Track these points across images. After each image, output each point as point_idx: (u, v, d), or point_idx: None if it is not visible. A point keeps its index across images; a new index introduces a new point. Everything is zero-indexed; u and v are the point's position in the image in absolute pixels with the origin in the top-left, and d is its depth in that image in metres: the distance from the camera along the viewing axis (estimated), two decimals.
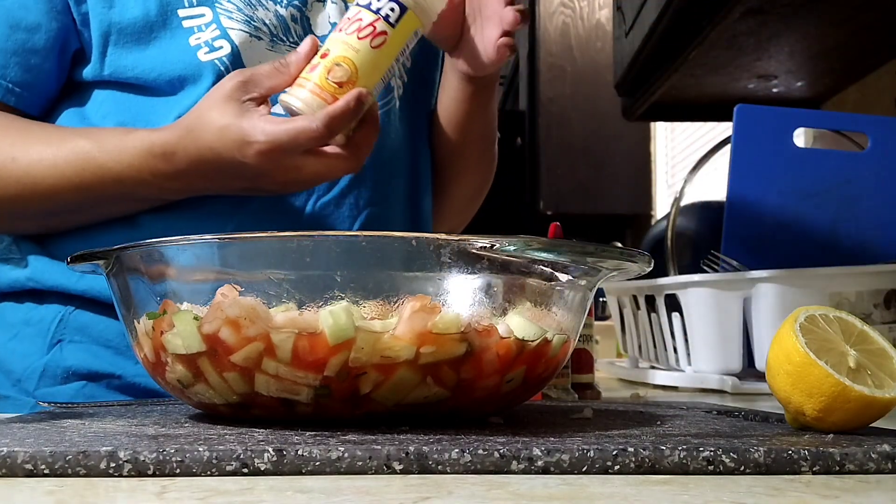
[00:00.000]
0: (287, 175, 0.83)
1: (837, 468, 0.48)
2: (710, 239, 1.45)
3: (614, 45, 1.93)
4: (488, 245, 0.56)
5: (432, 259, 0.57)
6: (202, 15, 0.91)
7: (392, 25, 0.83)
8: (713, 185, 2.36)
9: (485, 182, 1.15)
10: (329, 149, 0.83)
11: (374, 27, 0.83)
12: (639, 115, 1.91)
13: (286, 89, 0.83)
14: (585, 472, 0.47)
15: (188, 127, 0.83)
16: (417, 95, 1.05)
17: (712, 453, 0.48)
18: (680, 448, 0.48)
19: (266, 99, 0.83)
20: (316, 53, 0.84)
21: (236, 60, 0.90)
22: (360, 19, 0.83)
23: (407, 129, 1.03)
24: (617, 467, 0.47)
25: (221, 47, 0.90)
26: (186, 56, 0.90)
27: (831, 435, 0.56)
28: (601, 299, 1.91)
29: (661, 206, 3.29)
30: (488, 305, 0.59)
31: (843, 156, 1.31)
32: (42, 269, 0.92)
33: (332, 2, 0.98)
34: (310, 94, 0.81)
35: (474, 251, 0.57)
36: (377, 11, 0.83)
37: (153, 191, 0.87)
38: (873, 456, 0.48)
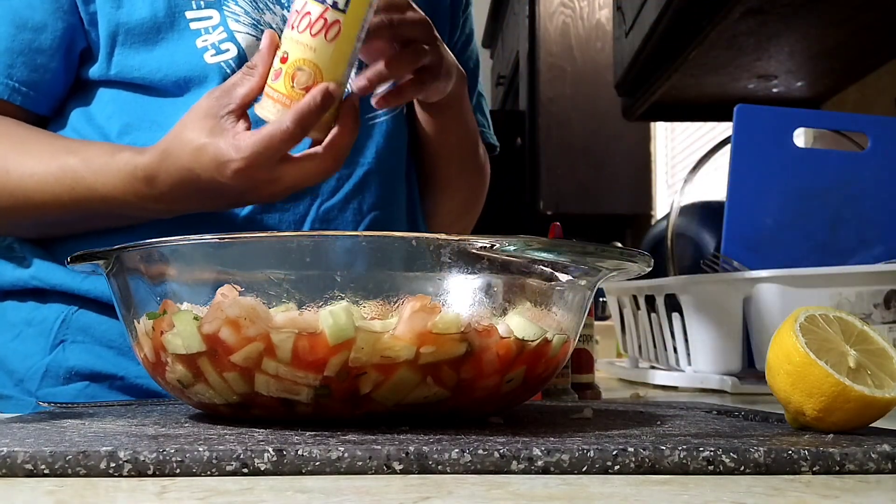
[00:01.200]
0: (267, 189, 0.81)
1: (837, 468, 0.48)
2: (710, 239, 1.45)
3: (614, 45, 1.93)
4: (488, 245, 0.56)
5: (432, 259, 0.57)
6: (210, 17, 0.91)
7: (343, 11, 0.78)
8: (713, 185, 2.36)
9: (473, 196, 1.13)
10: (305, 153, 0.81)
11: (325, 20, 0.77)
12: (639, 115, 1.91)
13: (257, 100, 0.80)
14: (585, 472, 0.47)
15: (167, 150, 0.82)
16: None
17: (712, 453, 0.48)
18: (680, 448, 0.48)
19: (244, 112, 0.81)
20: (277, 48, 0.80)
21: (242, 63, 0.90)
22: (309, 13, 0.78)
23: (410, 132, 1.03)
24: (617, 467, 0.47)
25: (228, 50, 0.90)
26: (193, 58, 0.90)
27: (831, 435, 0.56)
28: (601, 299, 1.91)
29: (661, 206, 3.29)
30: (488, 305, 0.59)
31: (843, 156, 1.31)
32: (45, 268, 0.92)
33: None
34: (280, 106, 0.79)
35: (474, 251, 0.57)
36: (324, 1, 0.77)
37: (139, 212, 0.87)
38: (873, 456, 0.48)
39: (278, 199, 0.87)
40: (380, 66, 0.84)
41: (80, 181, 0.86)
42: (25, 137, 0.90)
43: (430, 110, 0.99)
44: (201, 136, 0.79)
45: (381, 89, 0.86)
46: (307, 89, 0.78)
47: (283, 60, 0.79)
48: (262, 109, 0.80)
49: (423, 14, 0.86)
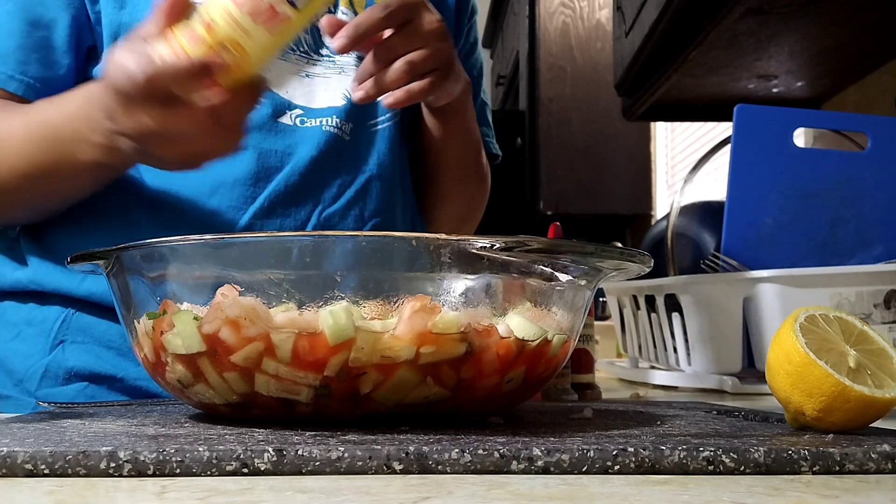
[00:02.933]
0: (135, 119, 0.73)
1: (837, 468, 0.48)
2: (710, 239, 1.45)
3: (614, 45, 1.93)
4: (488, 245, 0.56)
5: (432, 259, 0.57)
6: None
7: (297, 8, 0.71)
8: (713, 185, 2.36)
9: (473, 204, 1.13)
10: (184, 98, 0.72)
11: (275, 11, 0.70)
12: (639, 115, 1.91)
13: (163, 41, 0.72)
14: (585, 472, 0.47)
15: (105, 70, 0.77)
16: (418, 106, 1.04)
17: (712, 453, 0.48)
18: (680, 448, 0.48)
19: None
20: (186, 6, 0.72)
21: None
22: None
23: (413, 140, 1.04)
24: (617, 467, 0.47)
25: None
26: None
27: (831, 435, 0.56)
28: (601, 299, 1.91)
29: (661, 206, 3.29)
30: (488, 305, 0.59)
31: (843, 156, 1.31)
32: (44, 273, 0.92)
33: (343, 12, 0.98)
34: None
35: (474, 251, 0.57)
36: None
37: (103, 138, 0.79)
38: (873, 456, 0.48)
39: (167, 153, 0.77)
40: (370, 66, 0.84)
41: (46, 124, 0.84)
42: (26, 106, 0.89)
43: (438, 115, 0.99)
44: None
45: (389, 97, 0.85)
46: None
47: (208, 28, 0.70)
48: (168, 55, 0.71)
49: (437, 15, 0.86)
